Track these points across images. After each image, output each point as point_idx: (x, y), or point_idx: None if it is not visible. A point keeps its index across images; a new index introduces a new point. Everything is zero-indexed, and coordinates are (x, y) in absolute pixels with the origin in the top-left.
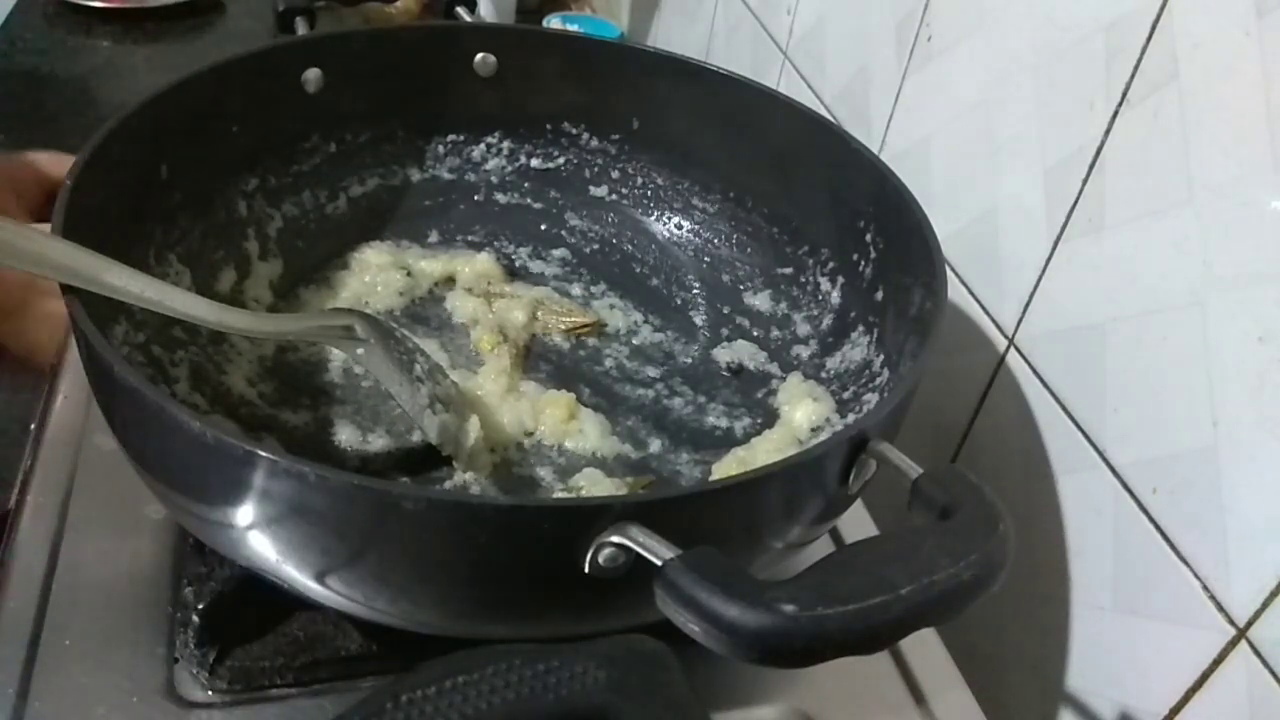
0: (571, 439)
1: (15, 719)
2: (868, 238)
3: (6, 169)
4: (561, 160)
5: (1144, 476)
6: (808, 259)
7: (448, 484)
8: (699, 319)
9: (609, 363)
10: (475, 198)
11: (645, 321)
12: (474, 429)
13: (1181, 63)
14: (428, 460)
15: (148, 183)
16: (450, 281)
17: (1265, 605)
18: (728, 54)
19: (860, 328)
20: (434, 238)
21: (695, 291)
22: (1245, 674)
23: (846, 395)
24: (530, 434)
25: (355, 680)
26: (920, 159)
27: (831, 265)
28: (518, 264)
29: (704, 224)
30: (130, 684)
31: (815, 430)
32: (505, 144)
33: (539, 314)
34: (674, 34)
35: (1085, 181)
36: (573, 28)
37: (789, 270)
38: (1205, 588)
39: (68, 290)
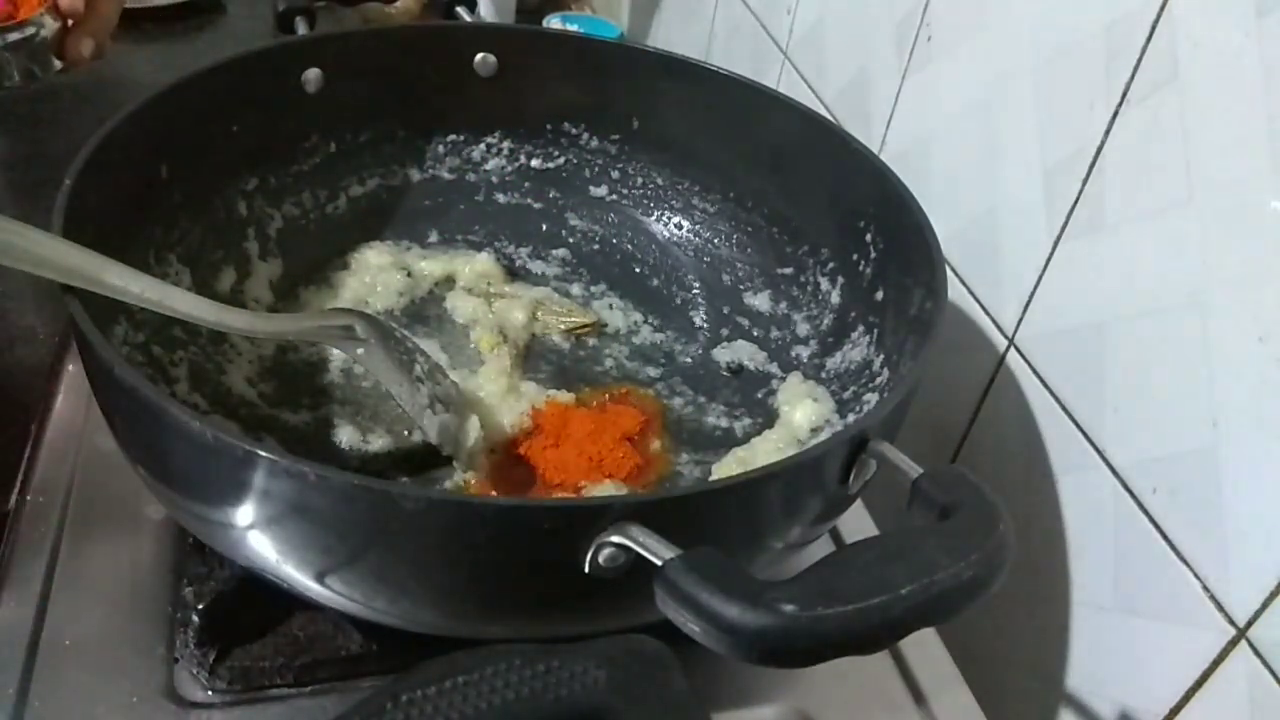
0: None
1: (15, 719)
2: (868, 238)
3: None
4: (561, 160)
5: (1144, 476)
6: (808, 259)
7: (447, 484)
8: (699, 319)
9: (609, 363)
10: (475, 198)
11: (645, 321)
12: (474, 429)
13: (1181, 63)
14: (428, 460)
15: (148, 183)
16: (450, 281)
17: (1265, 605)
18: (728, 54)
19: (860, 328)
20: (434, 238)
21: (695, 291)
22: (1245, 674)
23: (846, 395)
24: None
25: (355, 680)
26: (920, 159)
27: (831, 265)
28: (518, 264)
29: (704, 224)
30: (130, 684)
31: (815, 430)
32: (505, 144)
33: (539, 314)
34: (674, 34)
35: (1085, 181)
36: (573, 28)
37: (789, 270)
38: (1205, 588)
39: (68, 290)
